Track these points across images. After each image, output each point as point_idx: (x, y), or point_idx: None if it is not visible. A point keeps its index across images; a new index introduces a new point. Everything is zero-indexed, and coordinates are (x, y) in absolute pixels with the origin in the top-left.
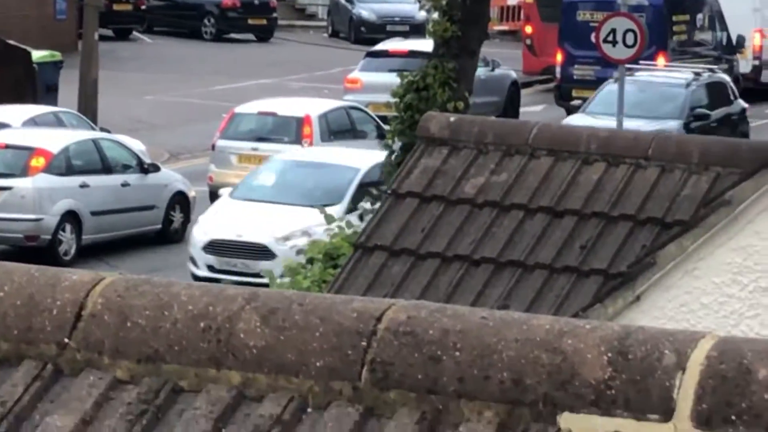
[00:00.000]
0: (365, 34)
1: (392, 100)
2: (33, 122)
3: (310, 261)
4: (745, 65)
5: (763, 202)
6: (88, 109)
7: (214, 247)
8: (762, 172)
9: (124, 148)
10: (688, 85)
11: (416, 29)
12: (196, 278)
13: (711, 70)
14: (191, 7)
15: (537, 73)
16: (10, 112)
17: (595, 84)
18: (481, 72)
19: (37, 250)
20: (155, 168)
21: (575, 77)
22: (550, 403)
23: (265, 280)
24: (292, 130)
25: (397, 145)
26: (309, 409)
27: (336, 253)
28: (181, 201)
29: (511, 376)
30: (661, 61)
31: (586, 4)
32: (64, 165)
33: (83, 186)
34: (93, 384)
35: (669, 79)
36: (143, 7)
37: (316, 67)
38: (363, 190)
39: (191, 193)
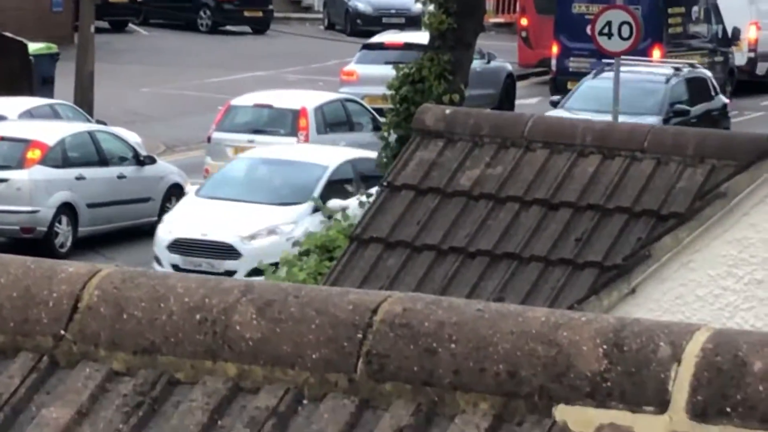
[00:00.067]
0: (361, 27)
1: (388, 92)
2: (29, 114)
3: (306, 253)
4: (740, 58)
5: (758, 195)
6: (84, 101)
7: (178, 246)
8: (757, 164)
9: (120, 140)
10: (667, 80)
11: (412, 21)
12: None
13: (692, 65)
14: (187, 0)
15: (532, 65)
16: (6, 104)
17: None
18: (476, 64)
19: (33, 242)
20: (151, 160)
21: (571, 69)
22: (546, 396)
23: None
24: (287, 123)
25: (392, 137)
26: (305, 401)
27: (332, 245)
28: (177, 193)
29: (507, 368)
30: (656, 53)
31: None
32: (60, 157)
33: (79, 178)
34: (89, 376)
35: (648, 74)
36: None
37: (312, 59)
38: (333, 187)
39: (187, 186)
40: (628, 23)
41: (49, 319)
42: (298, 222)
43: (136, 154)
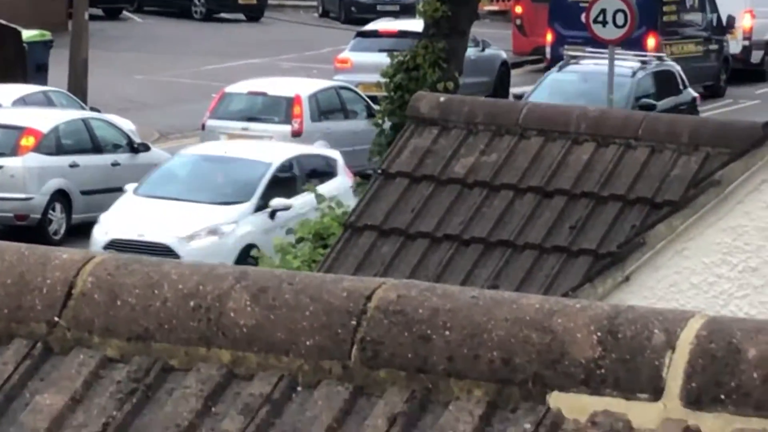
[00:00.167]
0: (355, 14)
1: (382, 80)
2: (23, 101)
3: (300, 241)
4: (735, 46)
5: (752, 182)
6: (78, 88)
7: (114, 246)
8: (752, 152)
9: (114, 127)
10: (633, 74)
11: (406, 9)
12: None
13: (659, 58)
14: None
15: (527, 53)
16: (0, 91)
17: None
18: (471, 52)
19: (27, 229)
20: (145, 147)
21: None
22: (540, 382)
23: None
24: (282, 110)
25: (386, 124)
26: (299, 388)
27: (326, 232)
28: None
29: (501, 355)
30: (651, 41)
31: None
32: (54, 144)
33: (73, 165)
34: (83, 362)
35: (615, 68)
36: None
37: (307, 46)
38: (277, 185)
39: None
40: (623, 11)
41: (43, 305)
42: (240, 222)
43: (130, 142)
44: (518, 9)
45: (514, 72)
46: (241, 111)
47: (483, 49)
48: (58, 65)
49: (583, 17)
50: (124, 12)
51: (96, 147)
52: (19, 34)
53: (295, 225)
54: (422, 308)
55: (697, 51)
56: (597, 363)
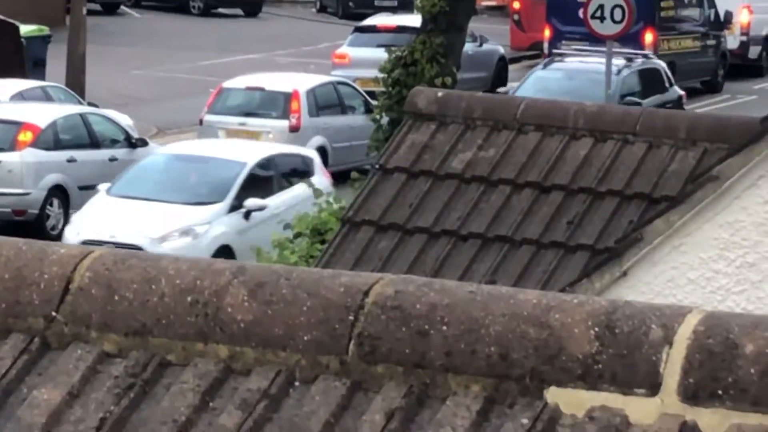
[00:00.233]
0: (353, 9)
1: (380, 75)
2: (21, 97)
3: (298, 236)
4: (732, 41)
5: (750, 178)
6: (75, 83)
7: None
8: (749, 147)
9: (112, 122)
10: (618, 71)
11: (404, 4)
12: None
13: (645, 56)
14: None
15: (524, 48)
16: None
17: None
18: (468, 47)
19: (24, 224)
20: (143, 143)
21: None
22: (537, 378)
23: None
24: (279, 106)
25: (384, 120)
26: (296, 383)
27: (323, 228)
28: None
29: (498, 350)
30: (648, 36)
31: None
32: (52, 139)
33: (71, 160)
34: (80, 357)
35: (599, 65)
36: None
37: (304, 42)
38: (252, 185)
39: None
40: (621, 6)
41: (41, 300)
42: (213, 222)
43: (128, 137)
44: (516, 4)
45: (511, 67)
46: (239, 106)
47: (481, 45)
48: (56, 60)
49: (581, 13)
50: (122, 7)
51: (94, 142)
52: (17, 29)
53: (293, 220)
54: (420, 303)
55: (695, 46)
56: (594, 358)
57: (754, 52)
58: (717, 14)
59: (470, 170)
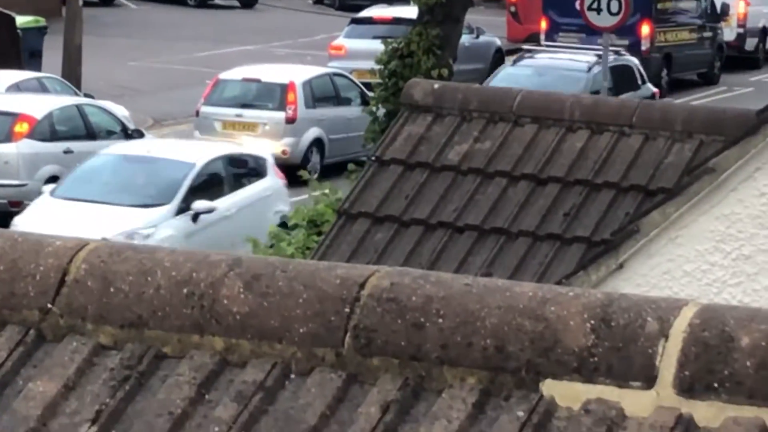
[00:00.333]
0: (350, 1)
1: (376, 66)
2: (17, 88)
3: (294, 227)
4: (729, 33)
5: (746, 170)
6: (72, 74)
7: None
8: (745, 139)
9: (108, 113)
10: (589, 69)
11: None
12: None
13: (617, 52)
14: None
15: (521, 40)
16: None
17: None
18: (465, 39)
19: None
20: (139, 134)
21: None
22: (533, 370)
23: None
24: (276, 97)
25: (380, 112)
26: (292, 375)
27: (320, 219)
28: None
29: (494, 343)
30: (645, 28)
31: None
32: (48, 131)
33: (67, 152)
34: (76, 350)
35: (569, 62)
36: None
37: (301, 33)
38: (202, 186)
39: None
40: None
41: (36, 292)
42: (159, 225)
43: (124, 128)
44: None
45: (508, 59)
46: (236, 98)
47: (477, 36)
48: (52, 51)
49: (577, 4)
50: None
51: (90, 133)
52: (13, 20)
53: (290, 213)
54: (416, 296)
55: (692, 38)
56: (590, 351)
57: (750, 44)
58: (714, 6)
59: (466, 162)
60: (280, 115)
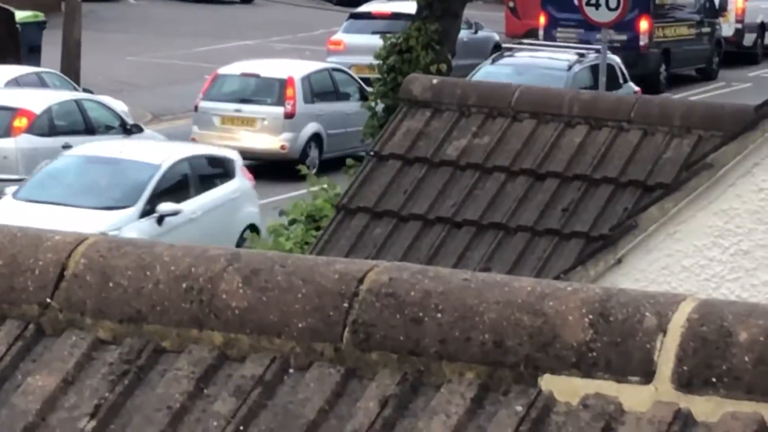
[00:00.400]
0: None
1: (375, 62)
2: (15, 83)
3: (293, 222)
4: (727, 29)
5: (744, 166)
6: (70, 69)
7: None
8: (744, 135)
9: (107, 108)
10: (570, 67)
11: None
12: None
13: (598, 50)
14: None
15: (520, 35)
16: None
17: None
18: (463, 34)
19: None
20: (138, 129)
21: (558, 40)
22: (531, 365)
23: None
24: (275, 92)
25: (379, 107)
26: (291, 370)
27: (318, 214)
28: None
29: (493, 337)
30: (643, 24)
31: None
32: (47, 125)
33: (66, 147)
34: (75, 344)
35: (549, 60)
36: None
37: (300, 28)
38: (167, 188)
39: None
40: None
41: (35, 287)
42: (123, 228)
43: (123, 123)
44: None
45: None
46: (234, 93)
47: (476, 32)
48: (51, 46)
49: (576, 0)
50: None
51: (89, 128)
52: (12, 15)
53: (288, 206)
54: (414, 291)
55: (690, 34)
56: (588, 346)
57: (749, 39)
58: (712, 1)
59: (465, 157)
60: (279, 110)
